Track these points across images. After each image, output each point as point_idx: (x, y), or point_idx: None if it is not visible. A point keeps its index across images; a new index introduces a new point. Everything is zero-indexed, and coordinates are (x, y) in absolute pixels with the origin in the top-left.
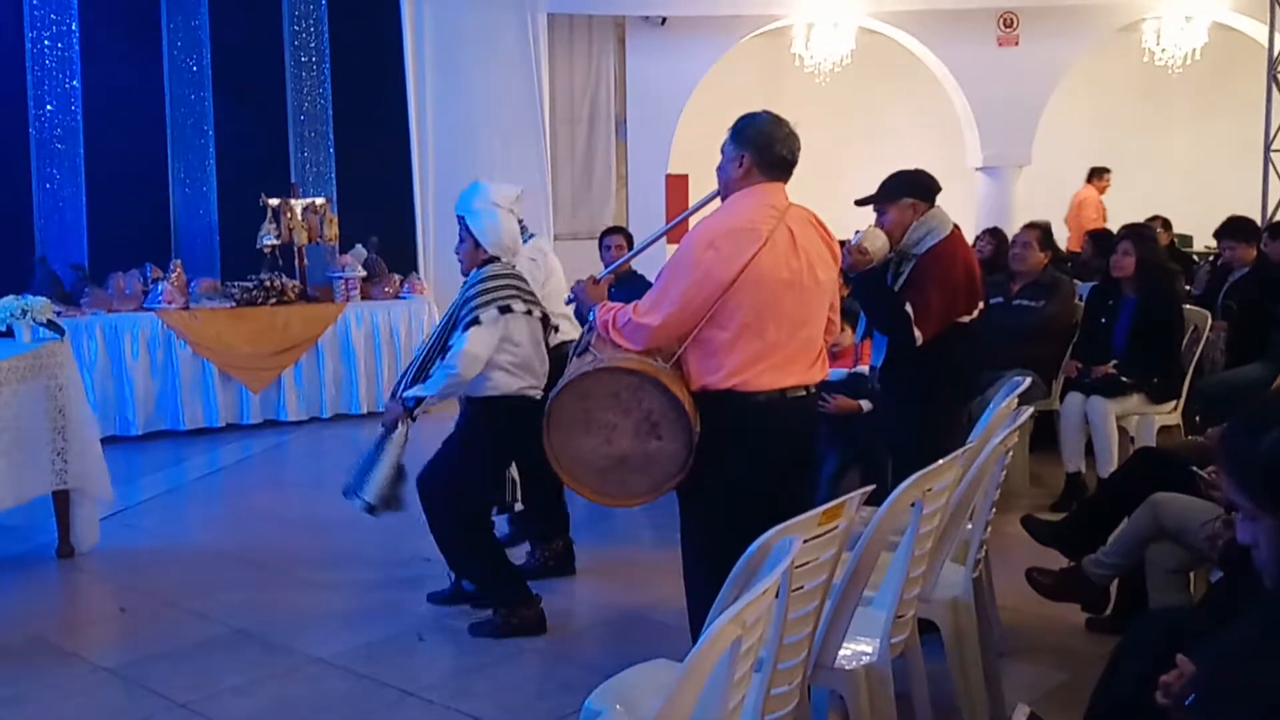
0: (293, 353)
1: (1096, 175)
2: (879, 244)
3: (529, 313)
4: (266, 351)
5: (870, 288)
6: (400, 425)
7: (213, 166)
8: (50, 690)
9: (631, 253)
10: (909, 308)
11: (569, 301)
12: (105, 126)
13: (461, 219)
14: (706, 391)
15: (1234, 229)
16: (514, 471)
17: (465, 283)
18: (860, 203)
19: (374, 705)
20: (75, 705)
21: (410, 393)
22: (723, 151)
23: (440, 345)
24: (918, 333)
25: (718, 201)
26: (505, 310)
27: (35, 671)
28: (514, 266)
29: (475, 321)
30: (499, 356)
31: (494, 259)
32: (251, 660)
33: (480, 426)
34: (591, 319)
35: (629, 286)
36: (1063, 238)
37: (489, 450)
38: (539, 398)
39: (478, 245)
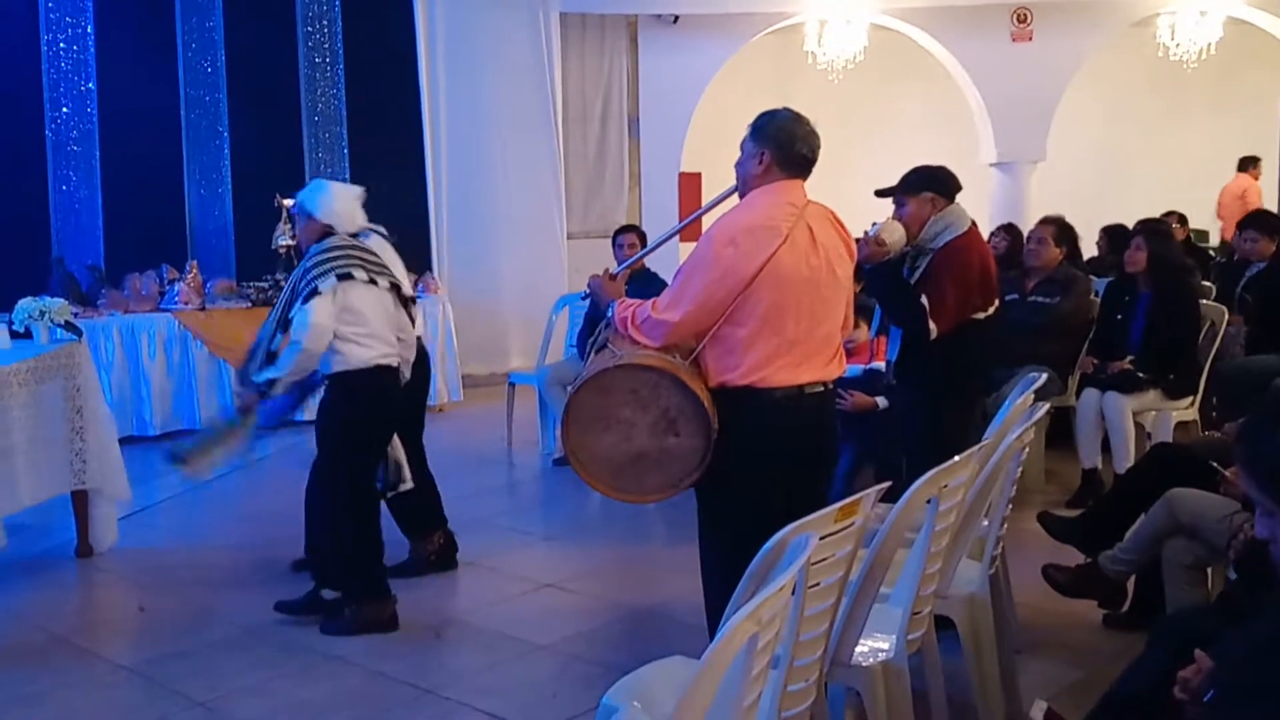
0: None
1: (1251, 164)
2: (897, 236)
3: (372, 281)
4: None
5: (886, 280)
6: (252, 412)
7: (228, 167)
8: (69, 689)
9: (649, 248)
10: (924, 300)
11: (584, 296)
12: (121, 128)
13: (299, 205)
14: (725, 388)
15: (1259, 221)
16: (398, 452)
17: (304, 258)
18: (880, 193)
19: (390, 703)
20: (93, 703)
21: (261, 376)
22: (742, 148)
23: (281, 321)
24: (932, 326)
25: (735, 198)
26: (344, 278)
27: (54, 670)
28: (357, 240)
29: (314, 292)
30: (344, 328)
31: (330, 230)
32: (268, 659)
33: (340, 403)
34: (610, 315)
35: (643, 284)
36: (1214, 229)
37: (356, 425)
38: (396, 365)
39: (311, 216)
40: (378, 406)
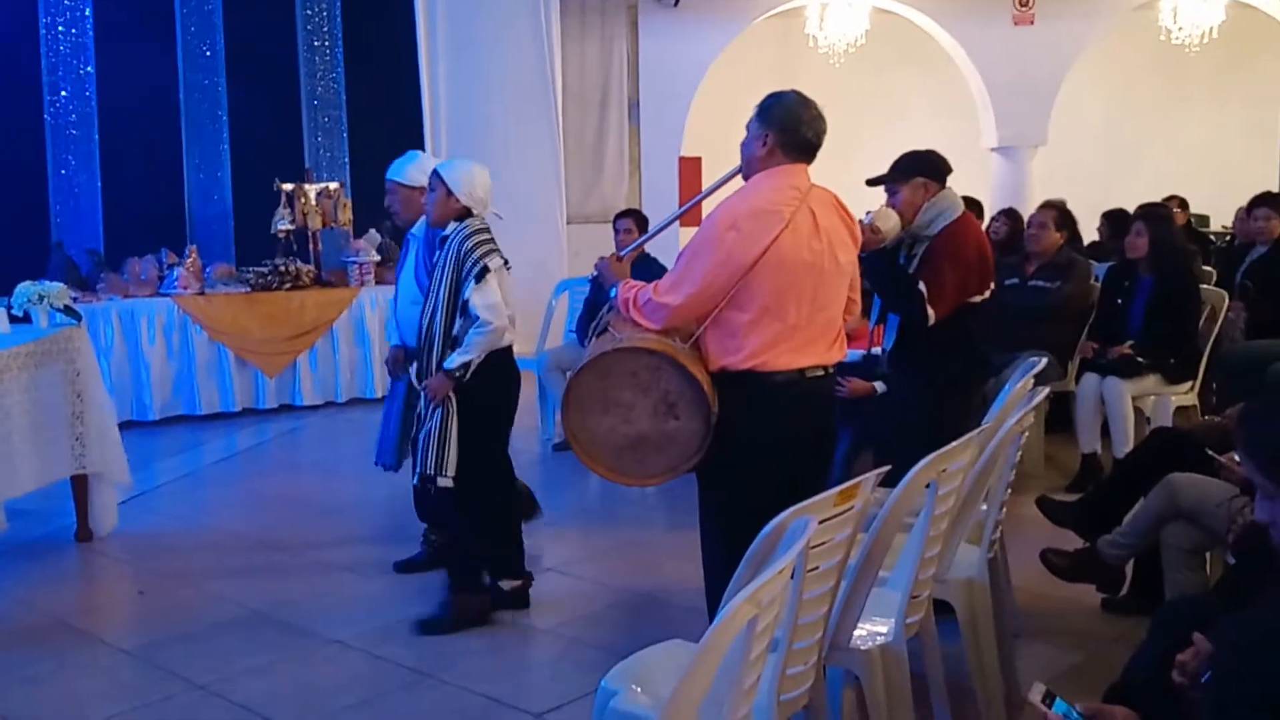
0: (308, 337)
1: None
2: (891, 223)
3: (506, 264)
4: (282, 336)
5: (883, 266)
6: (451, 397)
7: (227, 152)
8: (70, 672)
9: (654, 230)
10: (922, 286)
11: (593, 279)
12: (119, 112)
13: (438, 177)
14: (725, 372)
15: (1273, 200)
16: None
17: (448, 237)
18: (871, 182)
19: (390, 686)
20: (95, 686)
21: (453, 361)
22: (748, 129)
23: (453, 304)
24: (931, 311)
25: (738, 179)
26: (503, 261)
27: (55, 653)
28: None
29: (485, 270)
30: None
31: (469, 211)
32: (268, 642)
33: (489, 384)
34: (613, 297)
35: (642, 268)
36: (1215, 214)
37: (503, 407)
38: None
39: (451, 194)
40: (517, 387)
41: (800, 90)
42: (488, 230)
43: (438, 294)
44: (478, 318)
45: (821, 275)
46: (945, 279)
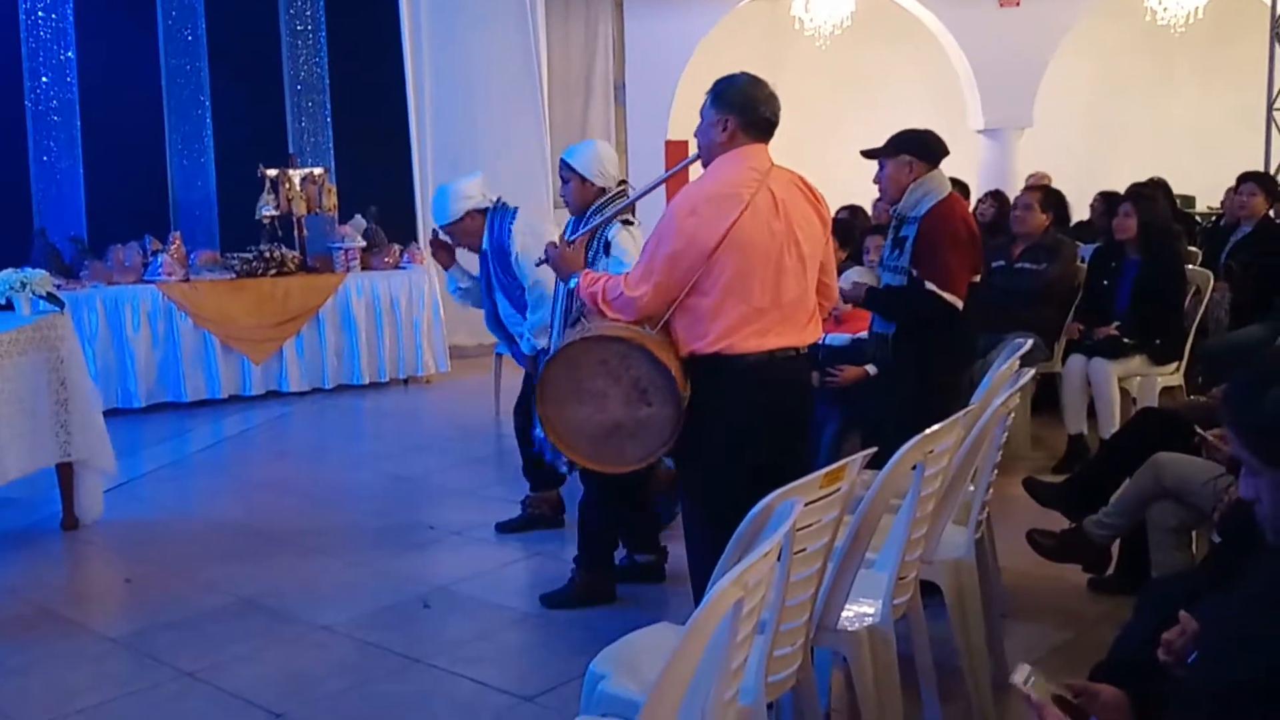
0: (294, 324)
1: None
2: (862, 279)
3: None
4: (268, 323)
5: (882, 300)
6: None
7: (210, 137)
8: (57, 660)
9: (603, 218)
10: (930, 285)
11: (539, 263)
12: (101, 98)
13: (568, 167)
14: (695, 356)
15: (1260, 178)
16: None
17: (585, 219)
18: (866, 154)
19: (379, 672)
20: (82, 675)
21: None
22: (702, 115)
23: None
24: (951, 298)
25: (697, 166)
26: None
27: (42, 642)
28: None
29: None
30: None
31: (603, 190)
32: (257, 629)
33: None
34: (572, 286)
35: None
36: (1201, 194)
37: None
38: None
39: (585, 181)
40: None
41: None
42: (620, 198)
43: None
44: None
45: (783, 256)
46: (948, 261)
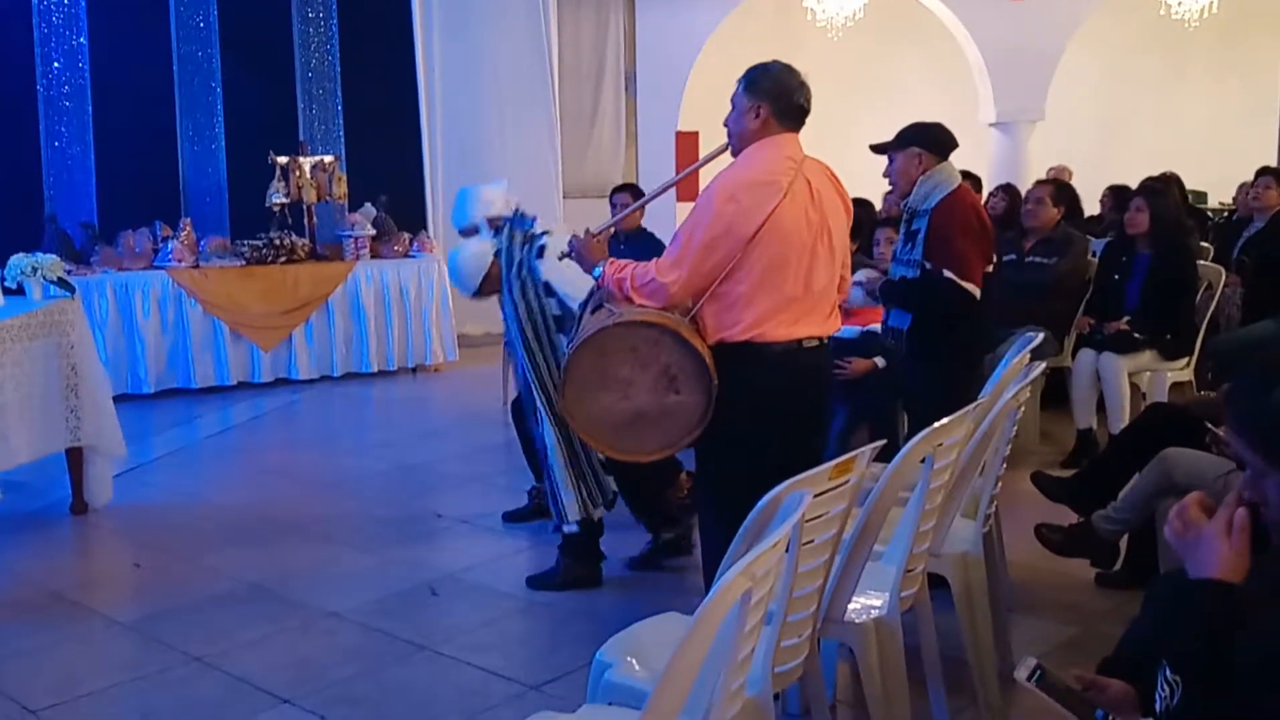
0: (303, 311)
1: None
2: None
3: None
4: (277, 310)
5: (899, 292)
6: None
7: (221, 124)
8: (66, 645)
9: (632, 207)
10: (947, 273)
11: (564, 255)
12: (113, 84)
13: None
14: (723, 344)
15: (1278, 172)
16: None
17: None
18: (875, 148)
19: (386, 659)
20: (91, 659)
21: None
22: (734, 103)
23: None
24: (970, 287)
25: (726, 155)
26: None
27: (51, 626)
28: None
29: None
30: None
31: None
32: (265, 615)
33: None
34: (597, 276)
35: (639, 244)
36: (1213, 190)
37: None
38: None
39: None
40: None
41: (796, 65)
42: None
43: None
44: None
45: (817, 245)
46: (963, 249)
